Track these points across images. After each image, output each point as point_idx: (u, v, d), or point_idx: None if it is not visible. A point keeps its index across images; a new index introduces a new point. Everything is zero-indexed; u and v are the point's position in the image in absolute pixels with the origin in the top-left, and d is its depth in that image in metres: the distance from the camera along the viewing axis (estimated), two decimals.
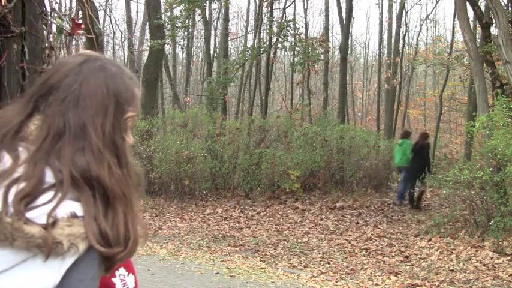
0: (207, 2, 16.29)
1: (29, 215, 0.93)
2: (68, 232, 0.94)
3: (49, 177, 0.97)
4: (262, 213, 11.03)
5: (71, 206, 0.96)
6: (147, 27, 18.16)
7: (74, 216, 0.95)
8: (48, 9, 2.16)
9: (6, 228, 0.91)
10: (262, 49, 16.35)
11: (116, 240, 0.99)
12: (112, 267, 1.04)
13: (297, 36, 15.95)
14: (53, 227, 0.93)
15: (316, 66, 17.71)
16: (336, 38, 30.22)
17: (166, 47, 20.75)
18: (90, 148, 1.00)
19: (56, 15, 2.23)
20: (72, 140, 1.00)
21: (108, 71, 1.08)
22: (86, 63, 1.07)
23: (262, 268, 7.00)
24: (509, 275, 6.34)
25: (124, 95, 1.08)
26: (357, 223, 10.21)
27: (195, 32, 25.54)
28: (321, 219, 10.55)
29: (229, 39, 22.27)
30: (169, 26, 15.04)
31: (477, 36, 13.02)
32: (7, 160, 0.98)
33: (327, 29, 21.74)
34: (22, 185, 0.95)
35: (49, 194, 0.96)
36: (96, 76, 1.06)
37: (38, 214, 0.94)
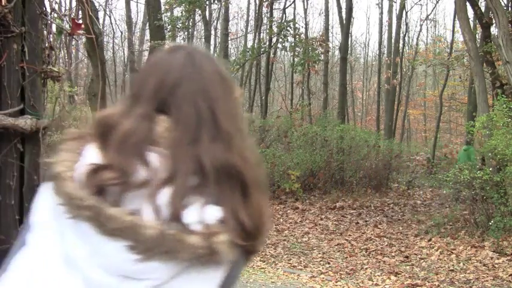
0: (207, 2, 16.29)
1: (186, 220, 0.89)
2: (222, 239, 0.89)
3: (193, 177, 0.93)
4: None
5: (213, 210, 0.91)
6: (147, 27, 18.16)
7: (218, 220, 0.91)
8: (48, 9, 2.17)
9: (171, 241, 0.86)
10: (262, 49, 16.36)
11: (255, 230, 0.95)
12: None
13: (297, 37, 15.95)
14: (211, 235, 0.88)
15: (316, 66, 17.72)
16: (336, 38, 30.16)
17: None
18: (221, 136, 0.98)
19: (56, 15, 2.24)
20: (207, 129, 0.97)
21: (212, 58, 1.10)
22: (192, 54, 1.07)
23: (262, 268, 7.00)
24: (509, 275, 6.34)
25: (228, 78, 1.09)
26: (357, 223, 10.21)
27: (195, 32, 25.53)
28: (321, 219, 10.55)
29: (229, 39, 22.26)
30: (169, 26, 15.05)
31: (477, 36, 13.02)
32: (141, 168, 0.92)
33: (327, 29, 21.73)
34: (171, 189, 0.90)
35: (195, 196, 0.91)
36: (208, 64, 1.06)
37: (191, 221, 0.89)
